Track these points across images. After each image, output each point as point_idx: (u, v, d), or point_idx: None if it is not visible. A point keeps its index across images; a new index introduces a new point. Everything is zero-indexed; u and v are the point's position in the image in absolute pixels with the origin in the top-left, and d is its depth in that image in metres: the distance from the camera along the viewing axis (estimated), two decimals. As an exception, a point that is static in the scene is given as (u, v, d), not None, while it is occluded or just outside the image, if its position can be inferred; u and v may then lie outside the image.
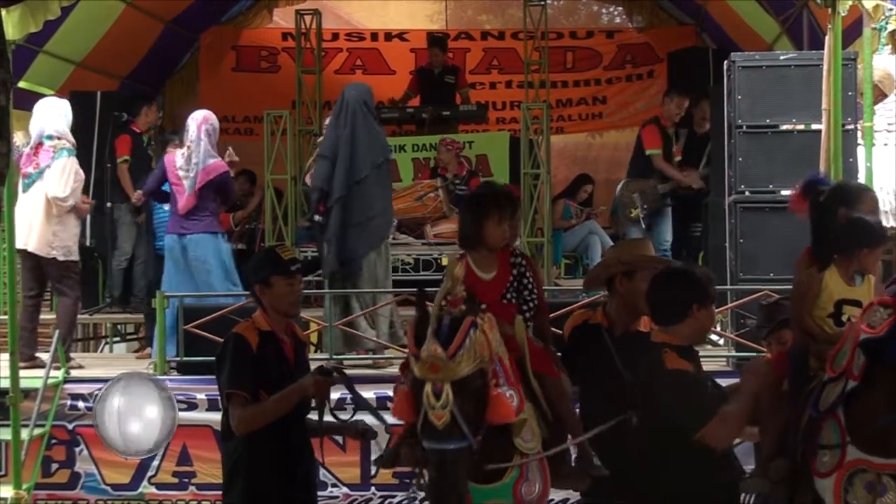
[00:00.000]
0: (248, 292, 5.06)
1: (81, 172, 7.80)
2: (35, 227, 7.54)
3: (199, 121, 7.75)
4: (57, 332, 7.28)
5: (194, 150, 7.68)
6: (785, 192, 6.96)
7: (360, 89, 7.70)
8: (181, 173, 7.70)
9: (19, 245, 7.49)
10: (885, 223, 7.04)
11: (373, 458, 5.94)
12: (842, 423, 4.02)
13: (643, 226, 9.35)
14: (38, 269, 7.71)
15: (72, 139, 7.79)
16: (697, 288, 4.35)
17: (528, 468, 4.19)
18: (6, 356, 6.58)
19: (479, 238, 4.59)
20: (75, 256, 7.83)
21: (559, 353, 4.92)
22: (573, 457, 4.64)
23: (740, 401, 4.28)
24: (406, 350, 4.63)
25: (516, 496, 4.17)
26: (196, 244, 7.65)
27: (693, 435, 4.12)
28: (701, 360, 4.52)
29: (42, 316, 9.14)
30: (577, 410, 4.85)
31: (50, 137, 7.63)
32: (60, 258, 7.66)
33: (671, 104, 9.47)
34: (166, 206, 8.10)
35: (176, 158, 7.78)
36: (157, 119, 10.02)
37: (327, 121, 8.09)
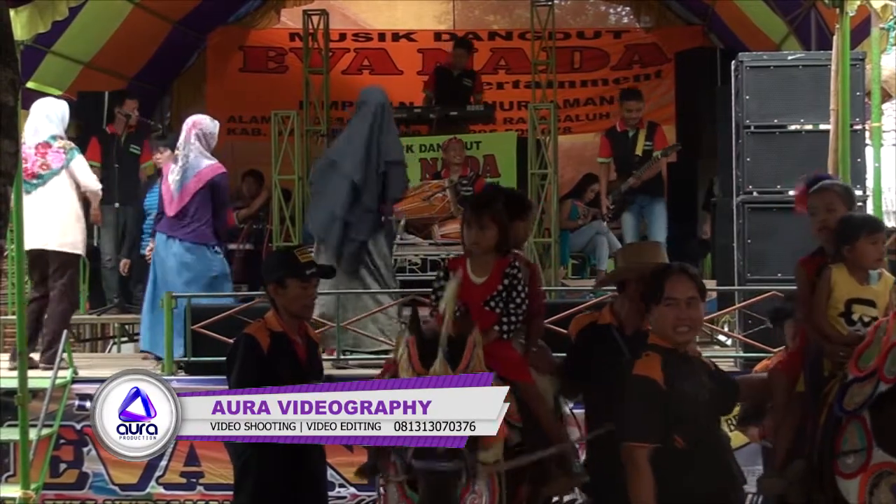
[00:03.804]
0: (259, 292, 5.04)
1: None
2: (66, 225, 7.59)
3: (189, 126, 7.72)
4: (65, 332, 7.28)
5: (181, 154, 7.65)
6: (793, 193, 6.93)
7: (370, 94, 7.58)
8: (171, 177, 7.64)
9: (34, 245, 7.53)
10: (887, 223, 7.02)
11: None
12: (867, 425, 3.98)
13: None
14: (46, 269, 7.69)
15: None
16: None
17: (474, 480, 3.98)
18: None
19: (463, 241, 4.64)
20: None
21: (565, 356, 4.89)
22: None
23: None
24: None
25: None
26: (186, 251, 7.56)
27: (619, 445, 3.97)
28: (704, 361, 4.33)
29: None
30: (584, 412, 4.85)
31: (54, 138, 7.67)
32: (82, 254, 7.86)
33: (622, 108, 9.82)
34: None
35: (170, 168, 7.73)
36: (127, 117, 9.73)
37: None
